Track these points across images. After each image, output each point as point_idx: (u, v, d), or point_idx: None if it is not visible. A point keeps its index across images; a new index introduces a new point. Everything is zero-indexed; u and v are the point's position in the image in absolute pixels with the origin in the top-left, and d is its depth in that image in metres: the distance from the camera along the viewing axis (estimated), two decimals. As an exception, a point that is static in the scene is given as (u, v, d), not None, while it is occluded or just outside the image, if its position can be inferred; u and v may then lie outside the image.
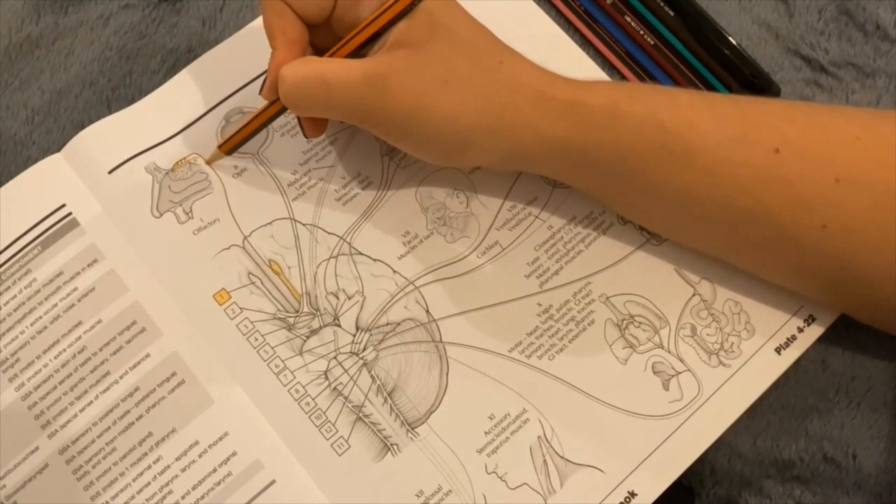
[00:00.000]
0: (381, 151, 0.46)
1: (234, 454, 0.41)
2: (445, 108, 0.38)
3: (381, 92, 0.37)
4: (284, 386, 0.42)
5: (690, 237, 0.42)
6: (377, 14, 0.38)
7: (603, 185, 0.41)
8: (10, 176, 0.45)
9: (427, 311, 0.43)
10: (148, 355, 0.42)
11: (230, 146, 0.44)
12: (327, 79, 0.37)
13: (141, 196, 0.44)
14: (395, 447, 0.41)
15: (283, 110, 0.42)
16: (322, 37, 0.41)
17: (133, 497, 0.40)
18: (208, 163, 0.45)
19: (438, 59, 0.38)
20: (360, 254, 0.44)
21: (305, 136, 0.43)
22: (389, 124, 0.39)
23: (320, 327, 0.42)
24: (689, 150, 0.38)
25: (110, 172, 0.45)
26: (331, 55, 0.39)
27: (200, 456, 0.40)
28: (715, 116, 0.38)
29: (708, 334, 0.43)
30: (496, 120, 0.38)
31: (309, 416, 0.41)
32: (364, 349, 0.42)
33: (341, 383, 0.42)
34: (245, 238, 0.44)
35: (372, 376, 0.42)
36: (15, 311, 0.42)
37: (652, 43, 0.48)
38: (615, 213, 0.45)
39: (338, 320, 0.43)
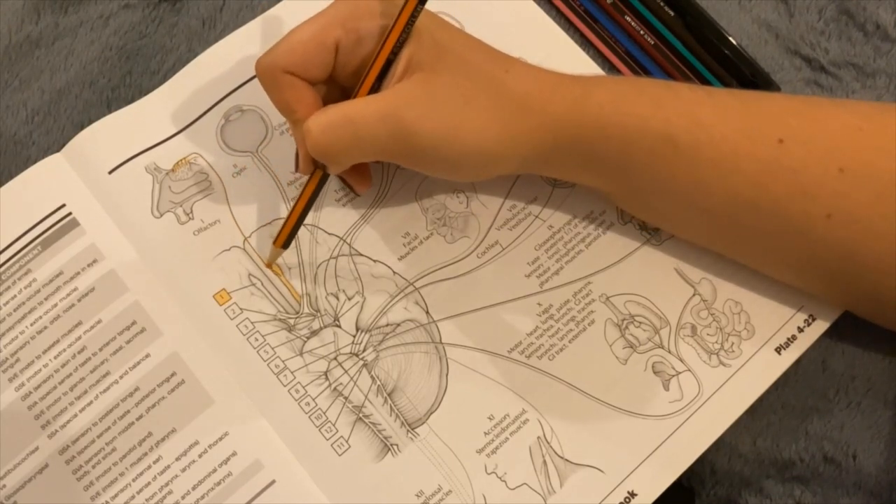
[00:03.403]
0: (381, 151, 0.46)
1: (234, 454, 0.41)
2: (474, 124, 0.38)
3: (410, 118, 0.37)
4: (285, 386, 0.42)
5: (696, 232, 0.42)
6: (381, 43, 0.38)
7: (610, 181, 0.41)
8: (10, 176, 0.45)
9: (427, 312, 0.43)
10: (148, 355, 0.42)
11: (284, 238, 0.42)
12: (352, 117, 0.37)
13: (141, 196, 0.44)
14: (395, 447, 0.41)
15: (324, 180, 0.40)
16: (326, 92, 0.40)
17: (133, 497, 0.40)
18: (269, 265, 0.43)
19: (454, 78, 0.37)
20: (360, 255, 0.44)
21: (357, 194, 0.42)
22: (422, 151, 0.38)
23: (320, 328, 0.42)
24: (694, 143, 0.38)
25: (110, 172, 0.45)
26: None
27: (200, 456, 0.40)
28: (718, 110, 0.39)
29: (708, 334, 0.43)
30: (516, 127, 0.38)
31: (309, 417, 0.41)
32: (364, 350, 0.42)
33: (341, 384, 0.42)
34: (245, 239, 0.44)
35: (372, 377, 0.42)
36: (15, 311, 0.42)
37: (652, 43, 0.48)
38: (621, 210, 0.45)
39: (338, 321, 0.43)
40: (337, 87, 0.40)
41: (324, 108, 0.38)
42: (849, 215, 0.37)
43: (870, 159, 0.37)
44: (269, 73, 0.38)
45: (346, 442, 0.41)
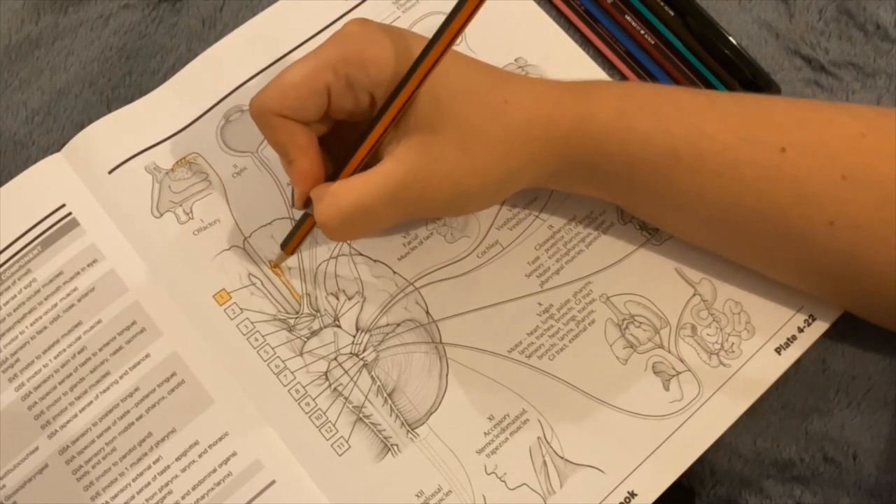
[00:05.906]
0: (381, 151, 0.46)
1: (234, 454, 0.41)
2: (476, 170, 0.38)
3: (417, 191, 0.37)
4: (285, 386, 0.42)
5: (699, 238, 0.42)
6: (374, 121, 0.37)
7: (614, 194, 0.41)
8: (10, 176, 0.45)
9: (427, 312, 0.43)
10: (148, 355, 0.42)
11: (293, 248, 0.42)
12: (364, 204, 0.37)
13: (141, 196, 0.44)
14: (395, 448, 0.41)
15: None
16: (323, 127, 0.40)
17: (133, 497, 0.40)
18: (275, 266, 0.43)
19: (452, 133, 0.37)
20: (360, 254, 0.44)
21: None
22: (433, 211, 0.41)
23: (320, 328, 0.42)
24: (697, 154, 0.38)
25: (110, 172, 0.45)
26: (353, 167, 0.38)
27: (200, 456, 0.40)
28: (720, 118, 0.38)
29: (708, 334, 0.43)
30: (519, 158, 0.38)
31: (309, 417, 0.41)
32: (364, 350, 0.42)
33: (341, 384, 0.42)
34: (245, 239, 0.44)
35: (372, 377, 0.42)
36: (15, 311, 0.42)
37: (652, 42, 0.48)
38: (621, 210, 0.45)
39: (338, 321, 0.43)
40: (332, 121, 0.40)
41: (331, 193, 0.37)
42: (851, 221, 0.37)
43: (872, 165, 0.37)
44: (262, 115, 0.38)
45: (347, 442, 0.41)
